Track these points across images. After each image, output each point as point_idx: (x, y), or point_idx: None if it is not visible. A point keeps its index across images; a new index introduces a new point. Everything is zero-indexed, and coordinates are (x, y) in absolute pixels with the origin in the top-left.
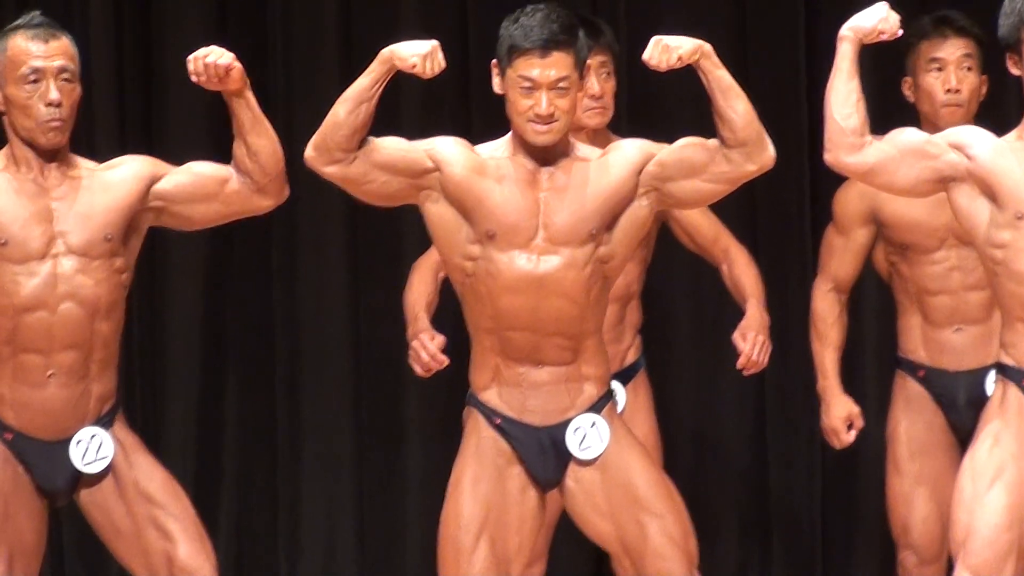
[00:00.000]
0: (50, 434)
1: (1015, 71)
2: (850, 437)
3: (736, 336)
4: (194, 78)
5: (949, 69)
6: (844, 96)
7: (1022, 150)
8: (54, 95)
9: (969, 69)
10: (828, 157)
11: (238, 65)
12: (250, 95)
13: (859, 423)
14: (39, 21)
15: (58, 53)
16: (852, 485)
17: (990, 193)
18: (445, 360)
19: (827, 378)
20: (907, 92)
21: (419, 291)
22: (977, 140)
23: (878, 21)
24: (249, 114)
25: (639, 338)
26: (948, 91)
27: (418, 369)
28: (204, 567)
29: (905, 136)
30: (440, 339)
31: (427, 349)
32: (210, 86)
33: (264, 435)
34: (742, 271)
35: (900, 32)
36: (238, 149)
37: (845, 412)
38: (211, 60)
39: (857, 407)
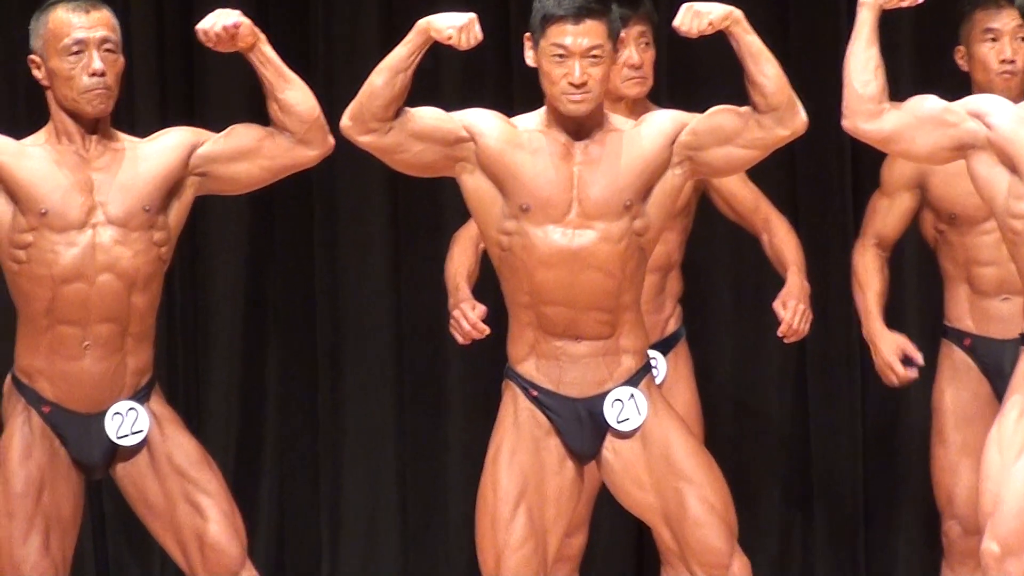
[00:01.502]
0: (87, 407)
1: None
2: (909, 372)
3: (777, 304)
4: (209, 45)
5: (1004, 40)
6: (863, 63)
7: None
8: (97, 64)
9: (1023, 40)
10: (846, 123)
11: (245, 20)
12: (266, 49)
13: (915, 355)
14: None
15: (99, 24)
16: (894, 454)
17: (1009, 162)
18: (486, 329)
19: (870, 318)
20: (960, 61)
21: (459, 262)
22: (997, 109)
23: None
24: (270, 68)
25: (679, 308)
26: (1003, 61)
27: (459, 338)
28: (233, 545)
29: (924, 103)
30: (481, 309)
31: (468, 318)
32: (224, 49)
33: (305, 407)
34: (783, 240)
35: (921, 0)
36: (271, 108)
37: (894, 345)
38: (218, 27)
39: (906, 340)
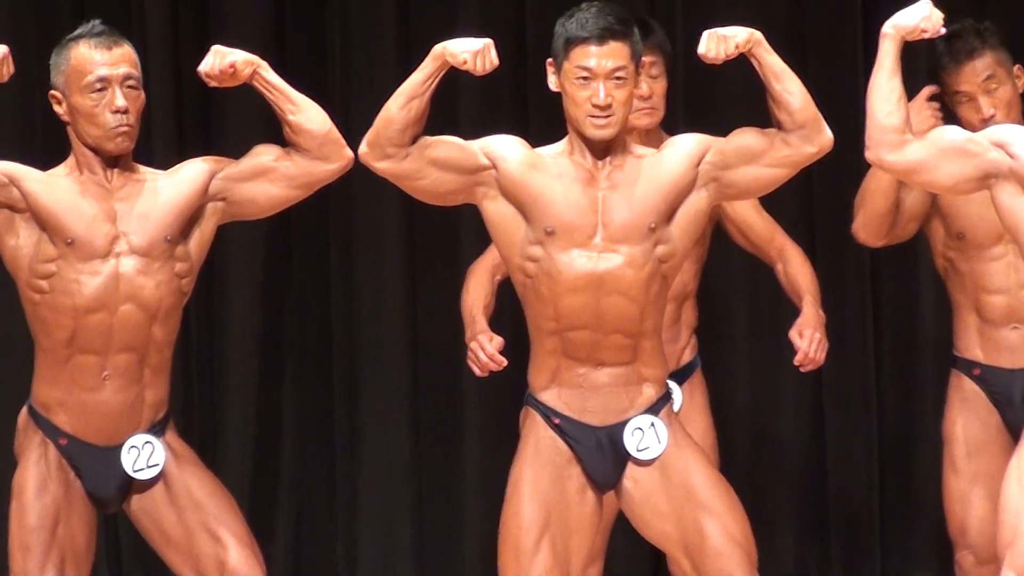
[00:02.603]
0: (104, 439)
1: None
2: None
3: (793, 333)
4: (213, 85)
5: (978, 100)
6: (886, 94)
7: None
8: (121, 102)
9: (996, 86)
10: (869, 155)
11: (238, 57)
12: (268, 76)
13: None
14: (100, 29)
15: (122, 60)
16: (910, 483)
17: None
18: (504, 361)
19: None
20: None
21: (476, 294)
22: (1020, 138)
23: (920, 19)
24: (276, 94)
25: (695, 338)
26: (983, 120)
27: (476, 371)
28: (255, 571)
29: (947, 134)
30: (498, 340)
31: (485, 350)
32: (228, 85)
33: (322, 437)
34: (797, 270)
35: (943, 31)
36: (285, 131)
37: None
38: (215, 70)
39: None
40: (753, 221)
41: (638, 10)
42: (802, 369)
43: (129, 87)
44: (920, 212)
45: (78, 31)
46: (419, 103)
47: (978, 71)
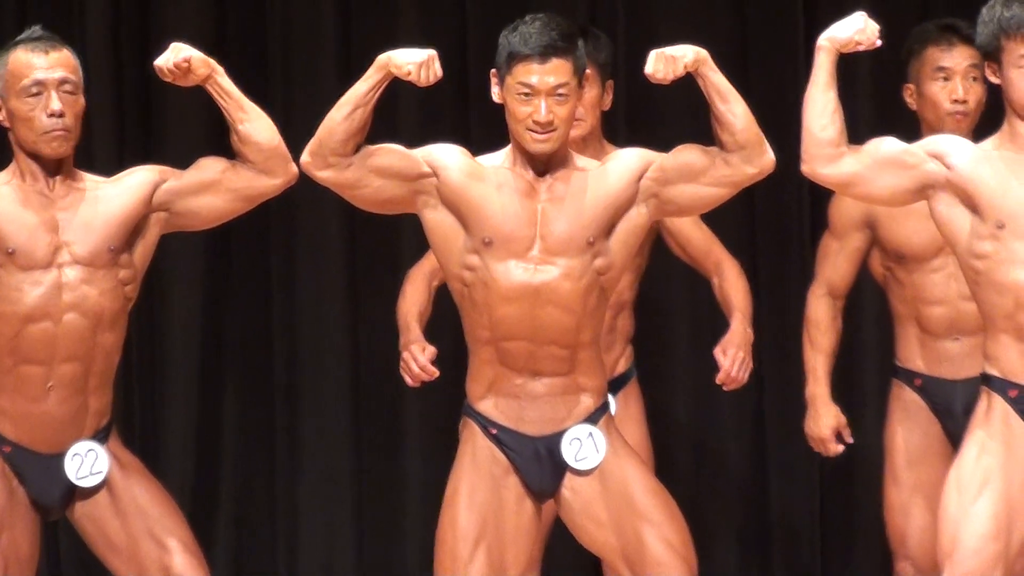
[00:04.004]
0: (47, 447)
1: (994, 79)
2: (838, 448)
3: (717, 351)
4: (168, 81)
5: (956, 79)
6: (821, 107)
7: (1000, 159)
8: (56, 105)
9: (975, 79)
10: (805, 168)
11: (195, 55)
12: (223, 81)
13: (847, 435)
14: (40, 35)
15: (59, 64)
16: (851, 494)
17: (970, 203)
18: (435, 372)
19: (818, 384)
20: (908, 99)
21: (412, 300)
22: (956, 149)
23: (855, 32)
24: (229, 100)
25: (630, 348)
26: (955, 101)
27: (408, 380)
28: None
29: (883, 146)
30: (431, 350)
31: (417, 361)
32: (182, 83)
33: (263, 445)
34: (731, 285)
35: (879, 43)
36: (232, 139)
37: (834, 421)
38: (171, 63)
39: (844, 418)
40: (691, 234)
41: (579, 19)
42: (724, 388)
43: (66, 92)
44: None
45: (19, 37)
46: (362, 113)
47: (966, 56)
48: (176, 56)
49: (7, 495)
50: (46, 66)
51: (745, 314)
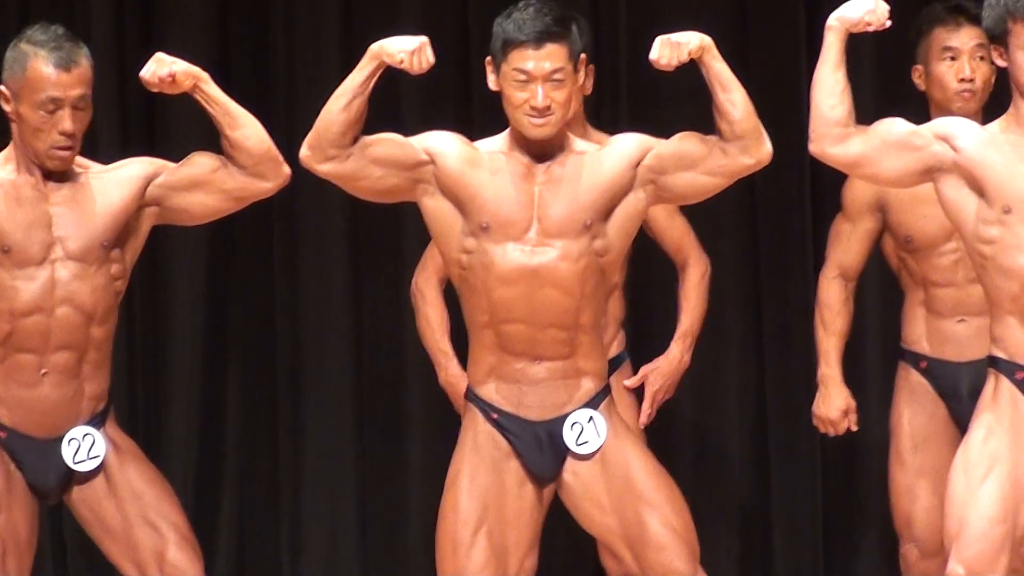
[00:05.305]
0: (43, 432)
1: (1000, 62)
2: (847, 428)
3: (640, 374)
4: (154, 91)
5: (963, 59)
6: (830, 87)
7: (1007, 143)
8: (69, 126)
9: (982, 59)
10: (813, 148)
11: (178, 68)
12: (209, 88)
13: (853, 421)
14: (60, 41)
15: (78, 82)
16: (853, 477)
17: (976, 186)
18: None
19: (830, 366)
20: (917, 80)
21: (435, 323)
22: (964, 131)
23: (864, 12)
24: (216, 107)
25: (622, 332)
26: (962, 80)
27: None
28: (193, 564)
29: (891, 127)
30: None
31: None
32: (168, 92)
33: (266, 429)
34: (686, 295)
35: (888, 23)
36: (223, 144)
37: (844, 404)
38: (155, 79)
39: (854, 402)
40: (665, 226)
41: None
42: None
43: (79, 108)
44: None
45: (39, 35)
46: (359, 103)
47: (974, 36)
48: (160, 70)
49: (4, 479)
50: (67, 84)
51: (686, 333)
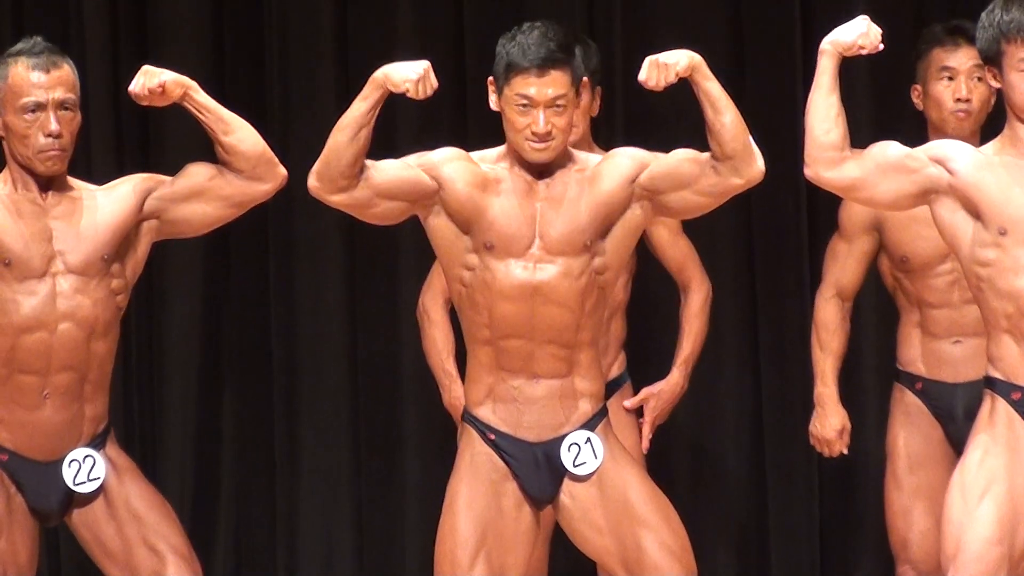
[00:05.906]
0: (44, 455)
1: (994, 84)
2: (842, 448)
3: (641, 396)
4: (143, 104)
5: (960, 79)
6: (824, 111)
7: (1001, 165)
8: (54, 126)
9: (980, 80)
10: (808, 172)
11: (167, 77)
12: (199, 97)
13: (847, 439)
14: (40, 48)
15: (59, 84)
16: (850, 498)
17: (972, 208)
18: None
19: (826, 386)
20: (916, 100)
21: (441, 344)
22: (959, 154)
23: (858, 36)
24: (207, 115)
25: (623, 353)
26: (958, 100)
27: None
28: None
29: (886, 150)
30: None
31: None
32: (158, 104)
33: (262, 449)
34: (687, 320)
35: (881, 47)
36: (217, 151)
37: (840, 424)
38: (144, 91)
39: (850, 423)
40: (668, 248)
41: (576, 26)
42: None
43: (64, 110)
44: (870, 260)
45: (19, 47)
46: (366, 132)
47: (971, 56)
48: (150, 81)
49: (5, 502)
50: (47, 85)
51: (688, 361)
